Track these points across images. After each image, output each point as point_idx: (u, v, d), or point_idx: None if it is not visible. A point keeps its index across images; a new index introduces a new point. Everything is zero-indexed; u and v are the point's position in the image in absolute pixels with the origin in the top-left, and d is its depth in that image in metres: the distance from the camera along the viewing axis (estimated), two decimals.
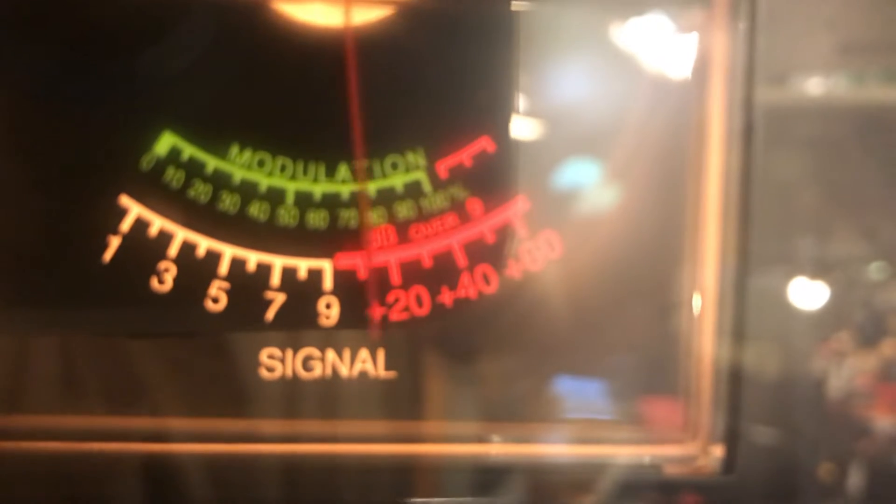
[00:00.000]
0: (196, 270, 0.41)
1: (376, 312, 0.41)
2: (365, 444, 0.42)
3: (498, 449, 0.43)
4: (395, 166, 0.41)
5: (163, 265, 0.40)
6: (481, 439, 0.43)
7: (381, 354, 0.42)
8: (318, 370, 0.42)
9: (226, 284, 0.41)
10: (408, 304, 0.41)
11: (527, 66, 0.41)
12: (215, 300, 0.41)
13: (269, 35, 0.40)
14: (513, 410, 0.43)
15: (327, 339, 0.42)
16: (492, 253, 0.42)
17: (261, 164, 0.41)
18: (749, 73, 0.41)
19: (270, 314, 0.41)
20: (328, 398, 0.42)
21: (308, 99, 0.40)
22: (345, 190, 0.41)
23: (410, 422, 0.42)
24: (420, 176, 0.41)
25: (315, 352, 0.42)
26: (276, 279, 0.41)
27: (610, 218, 0.42)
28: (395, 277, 0.41)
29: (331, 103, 0.40)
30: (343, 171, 0.41)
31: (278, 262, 0.41)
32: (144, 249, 0.40)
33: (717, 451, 0.42)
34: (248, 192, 0.41)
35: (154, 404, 0.41)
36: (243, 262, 0.41)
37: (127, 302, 0.41)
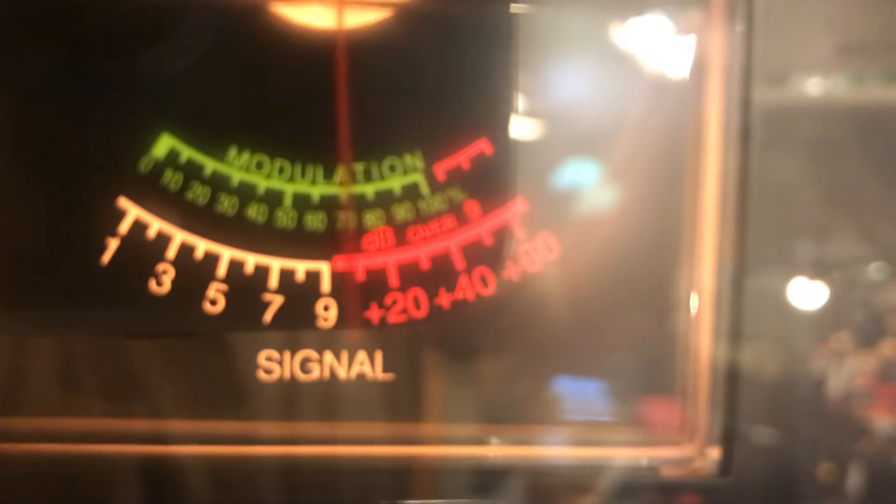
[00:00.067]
0: (194, 272, 0.41)
1: (374, 314, 0.41)
2: (363, 445, 0.42)
3: (496, 451, 0.43)
4: (392, 168, 0.41)
5: (161, 267, 0.41)
6: (479, 441, 0.43)
7: (378, 356, 0.42)
8: (316, 372, 0.42)
9: (224, 286, 0.41)
10: (406, 306, 0.41)
11: (524, 67, 0.41)
12: (213, 302, 0.41)
13: (267, 37, 0.40)
14: (511, 412, 0.43)
15: (325, 340, 0.42)
16: (490, 255, 0.42)
17: (259, 166, 0.41)
18: (747, 73, 0.41)
19: (268, 316, 0.41)
20: (326, 400, 0.42)
21: (306, 101, 0.40)
22: (343, 192, 0.41)
23: (409, 424, 0.42)
24: (418, 178, 0.41)
25: (313, 354, 0.42)
26: (274, 281, 0.41)
27: (608, 219, 0.42)
28: (393, 279, 0.41)
29: (329, 105, 0.40)
30: (341, 173, 0.41)
31: (276, 264, 0.41)
32: (143, 251, 0.40)
33: (714, 453, 0.42)
34: (246, 194, 0.41)
35: (152, 406, 0.41)
36: (241, 264, 0.41)
37: (125, 304, 0.41)
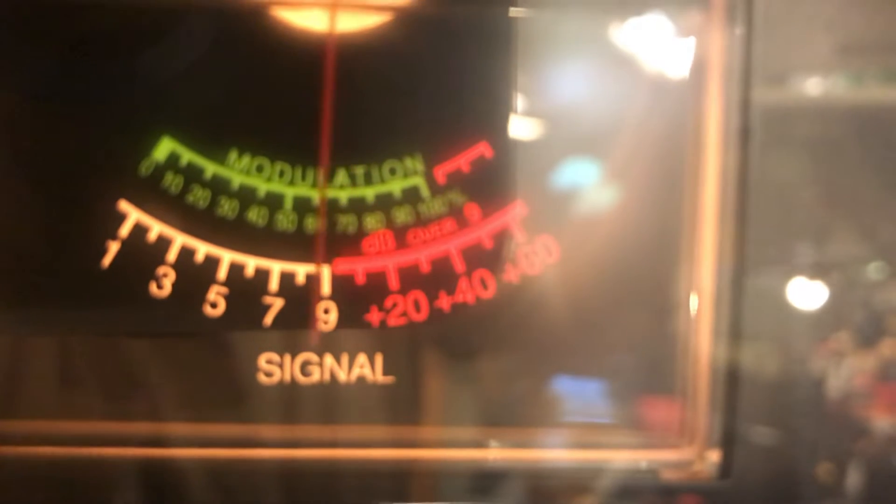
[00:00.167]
0: (195, 275, 0.41)
1: (374, 317, 0.42)
2: (363, 448, 0.42)
3: (496, 453, 0.43)
4: (393, 172, 0.41)
5: (162, 270, 0.41)
6: (479, 444, 0.43)
7: (379, 359, 0.42)
8: (316, 375, 0.42)
9: (224, 289, 0.41)
10: (406, 308, 0.42)
11: (524, 70, 0.41)
12: (214, 305, 0.41)
13: (267, 41, 0.40)
14: (510, 415, 0.43)
15: (325, 344, 0.42)
16: (490, 258, 0.42)
17: (259, 169, 0.41)
18: (746, 74, 0.41)
19: (269, 319, 0.41)
20: (326, 403, 0.42)
21: (307, 105, 0.40)
22: (343, 196, 0.41)
23: (408, 426, 0.43)
24: (418, 181, 0.41)
25: (313, 357, 0.42)
26: (274, 284, 0.41)
27: (607, 221, 0.42)
28: (393, 282, 0.41)
29: (329, 109, 0.40)
30: (341, 176, 0.41)
31: (276, 268, 0.41)
32: (143, 254, 0.40)
33: (714, 456, 0.42)
34: (246, 197, 0.41)
35: (153, 409, 0.41)
36: (242, 267, 0.41)
37: (126, 306, 0.41)
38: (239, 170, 0.41)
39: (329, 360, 0.42)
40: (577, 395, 0.43)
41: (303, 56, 0.40)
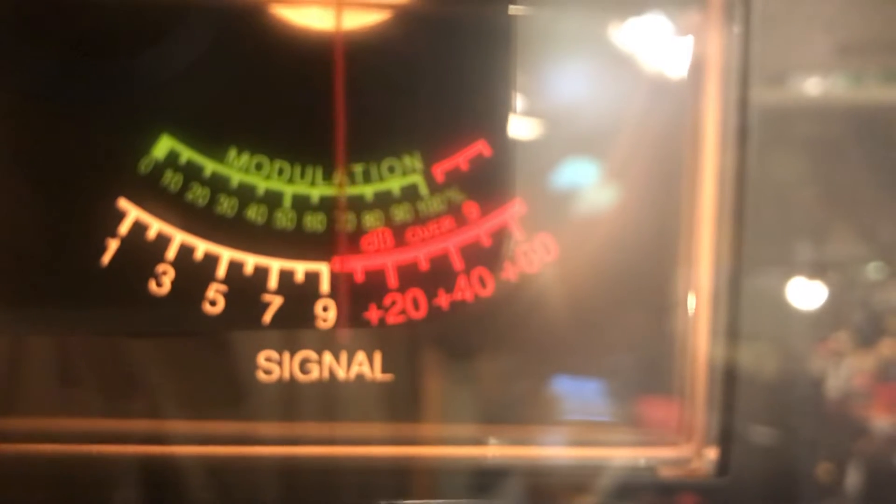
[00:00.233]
0: (194, 273, 0.41)
1: (373, 315, 0.42)
2: (362, 446, 0.42)
3: (494, 451, 0.43)
4: (391, 170, 0.41)
5: (161, 268, 0.41)
6: (478, 441, 0.43)
7: (377, 357, 0.42)
8: (315, 373, 0.42)
9: (223, 287, 0.41)
10: (404, 306, 0.42)
11: (523, 69, 0.41)
12: (213, 303, 0.41)
13: (267, 39, 0.40)
14: (509, 412, 0.43)
15: (324, 341, 0.42)
16: (488, 256, 0.42)
17: (258, 167, 0.41)
18: (744, 73, 0.41)
19: (268, 317, 0.41)
20: (325, 400, 0.42)
21: (306, 103, 0.40)
22: (341, 193, 0.41)
23: (407, 424, 0.43)
24: (417, 179, 0.41)
25: (312, 354, 0.42)
26: (273, 282, 0.41)
27: (605, 220, 0.42)
28: (392, 280, 0.41)
29: (328, 107, 0.40)
30: (340, 174, 0.41)
31: (276, 265, 0.41)
32: (143, 252, 0.40)
33: (711, 454, 0.42)
34: (245, 195, 0.41)
35: (152, 407, 0.41)
36: (241, 265, 0.41)
37: (125, 304, 0.41)
38: (238, 168, 0.41)
39: (328, 357, 0.42)
40: (575, 392, 0.43)
41: (306, 54, 0.40)
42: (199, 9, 0.40)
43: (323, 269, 0.41)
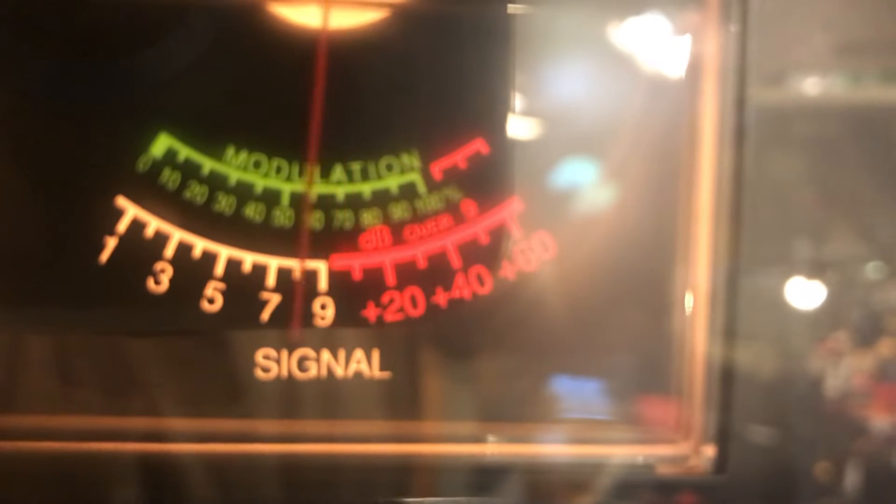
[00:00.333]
0: (192, 271, 0.41)
1: (371, 313, 0.42)
2: (360, 444, 0.42)
3: (493, 449, 0.43)
4: (389, 168, 0.41)
5: (159, 266, 0.41)
6: (477, 439, 0.43)
7: (375, 355, 0.42)
8: (313, 371, 0.42)
9: (222, 285, 0.41)
10: (402, 304, 0.42)
11: (521, 67, 0.41)
12: (211, 300, 0.41)
13: (264, 37, 0.40)
14: (508, 410, 0.43)
15: (322, 339, 0.42)
16: (486, 254, 0.42)
17: (257, 165, 0.41)
18: (742, 73, 0.41)
19: (266, 315, 0.41)
20: (324, 398, 0.42)
21: (304, 101, 0.40)
22: (340, 191, 0.41)
23: (405, 422, 0.43)
24: (415, 177, 0.41)
25: (310, 352, 0.42)
26: (271, 280, 0.41)
27: (603, 218, 0.42)
28: (390, 278, 0.41)
29: (326, 105, 0.40)
30: (338, 172, 0.41)
31: (274, 263, 0.41)
32: (141, 250, 0.41)
33: (709, 451, 0.42)
34: (243, 193, 0.41)
35: (150, 404, 0.41)
36: (239, 263, 0.41)
37: (123, 302, 0.41)
38: (236, 166, 0.41)
39: (326, 355, 0.42)
40: (574, 391, 0.43)
41: (298, 52, 0.40)
42: (197, 8, 0.40)
43: (321, 266, 0.41)
